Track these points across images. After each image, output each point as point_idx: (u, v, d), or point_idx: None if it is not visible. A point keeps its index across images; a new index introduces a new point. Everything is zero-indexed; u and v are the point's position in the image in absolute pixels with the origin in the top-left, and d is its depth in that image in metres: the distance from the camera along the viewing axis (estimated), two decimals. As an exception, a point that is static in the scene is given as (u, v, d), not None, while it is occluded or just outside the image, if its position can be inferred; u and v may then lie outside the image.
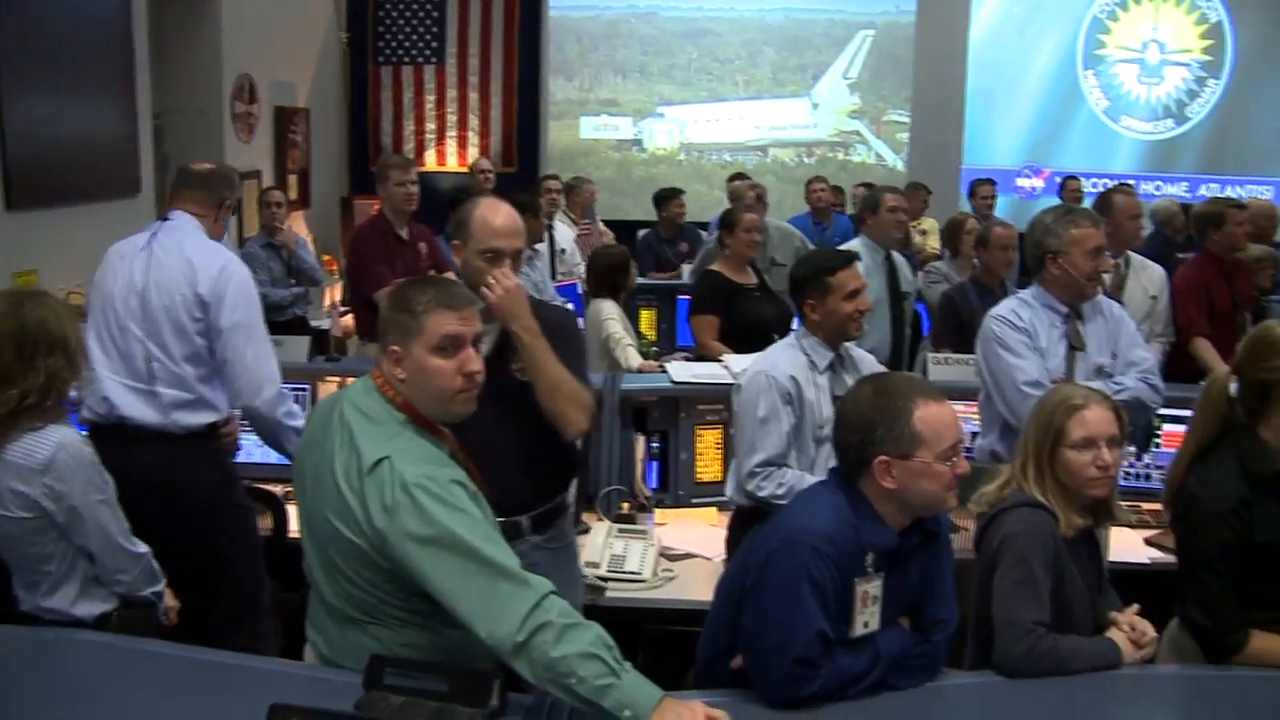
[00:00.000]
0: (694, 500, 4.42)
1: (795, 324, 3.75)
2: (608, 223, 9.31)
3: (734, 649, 2.49)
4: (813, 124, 11.92)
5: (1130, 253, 5.50)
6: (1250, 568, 2.75)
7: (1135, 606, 2.81)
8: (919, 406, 2.43)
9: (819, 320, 3.55)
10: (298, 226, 8.78)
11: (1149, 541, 4.19)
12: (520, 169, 11.21)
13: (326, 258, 9.23)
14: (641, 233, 8.79)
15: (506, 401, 2.98)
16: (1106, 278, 5.17)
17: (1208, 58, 12.10)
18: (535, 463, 3.11)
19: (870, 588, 2.42)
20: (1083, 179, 9.99)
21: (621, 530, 3.93)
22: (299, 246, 7.09)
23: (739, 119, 11.83)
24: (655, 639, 3.57)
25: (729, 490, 3.68)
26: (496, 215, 3.08)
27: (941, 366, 4.76)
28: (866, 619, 2.43)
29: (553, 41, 11.64)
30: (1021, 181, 11.89)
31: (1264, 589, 2.77)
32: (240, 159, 8.18)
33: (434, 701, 2.20)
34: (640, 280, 7.49)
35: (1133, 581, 3.65)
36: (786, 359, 3.53)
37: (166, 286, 3.53)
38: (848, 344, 3.63)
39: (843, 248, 4.74)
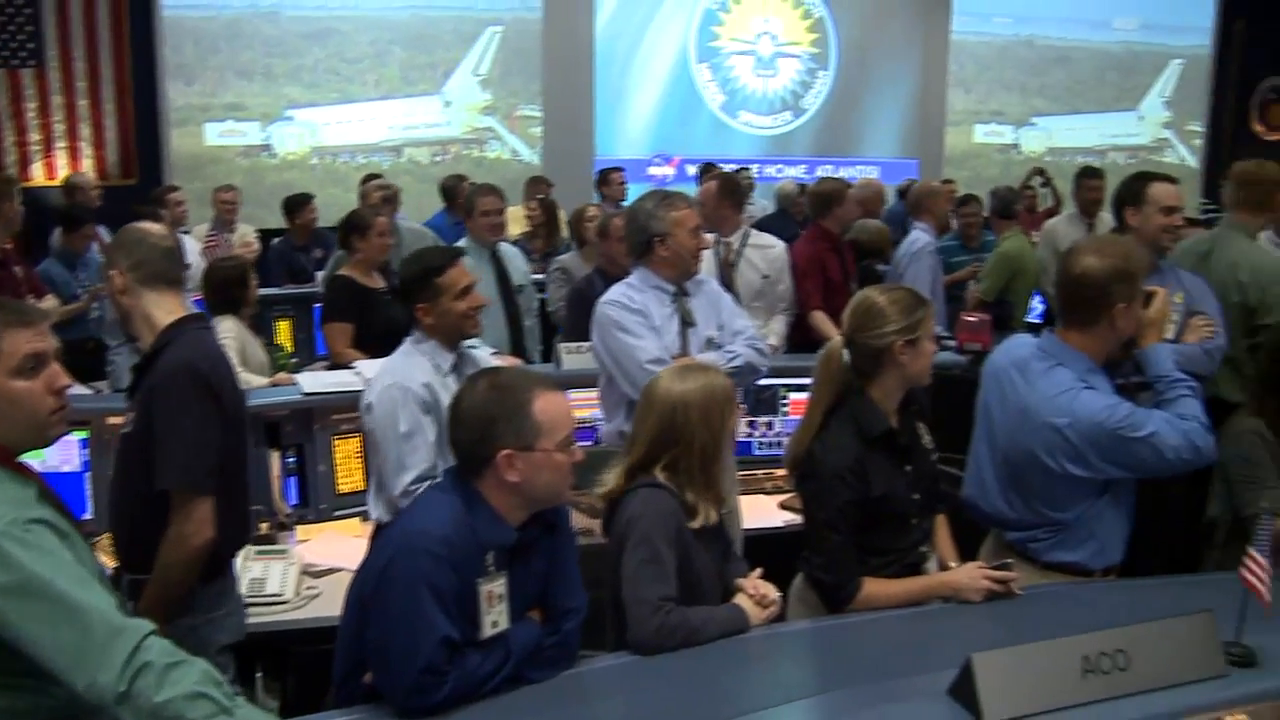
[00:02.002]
0: (337, 513, 4.30)
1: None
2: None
3: (365, 663, 2.43)
4: (446, 121, 11.88)
5: (753, 230, 5.79)
6: (867, 519, 2.96)
7: (758, 570, 2.95)
8: (537, 398, 2.44)
9: (434, 324, 3.46)
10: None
11: (783, 505, 4.43)
12: (142, 180, 10.50)
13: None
14: (275, 241, 8.48)
15: (118, 451, 2.86)
16: (729, 254, 5.47)
17: (816, 50, 12.99)
18: (126, 521, 2.93)
19: (494, 587, 2.41)
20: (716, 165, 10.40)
21: (260, 552, 3.77)
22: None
23: (371, 119, 11.61)
24: (305, 661, 3.46)
25: (375, 513, 3.52)
26: None
27: (575, 356, 4.84)
28: (494, 618, 2.42)
29: (168, 43, 10.94)
30: (653, 170, 12.31)
31: (876, 537, 2.99)
32: None
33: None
34: (275, 290, 7.26)
35: (768, 545, 3.87)
36: (415, 367, 3.41)
37: None
38: (464, 342, 3.57)
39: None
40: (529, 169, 11.39)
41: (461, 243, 5.56)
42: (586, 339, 4.19)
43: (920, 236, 6.98)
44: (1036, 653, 2.31)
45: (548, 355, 5.85)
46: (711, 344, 4.00)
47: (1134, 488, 3.22)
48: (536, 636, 2.50)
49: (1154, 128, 14.63)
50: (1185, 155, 14.69)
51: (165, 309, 2.97)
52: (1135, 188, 4.17)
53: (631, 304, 3.94)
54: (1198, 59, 14.57)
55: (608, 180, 9.44)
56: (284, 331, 7.02)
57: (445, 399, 3.34)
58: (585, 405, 4.49)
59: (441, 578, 2.30)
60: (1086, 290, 3.08)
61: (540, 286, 6.53)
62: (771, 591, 2.87)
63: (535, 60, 12.04)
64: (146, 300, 2.96)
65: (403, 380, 3.35)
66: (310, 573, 3.79)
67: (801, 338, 5.81)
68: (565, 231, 7.94)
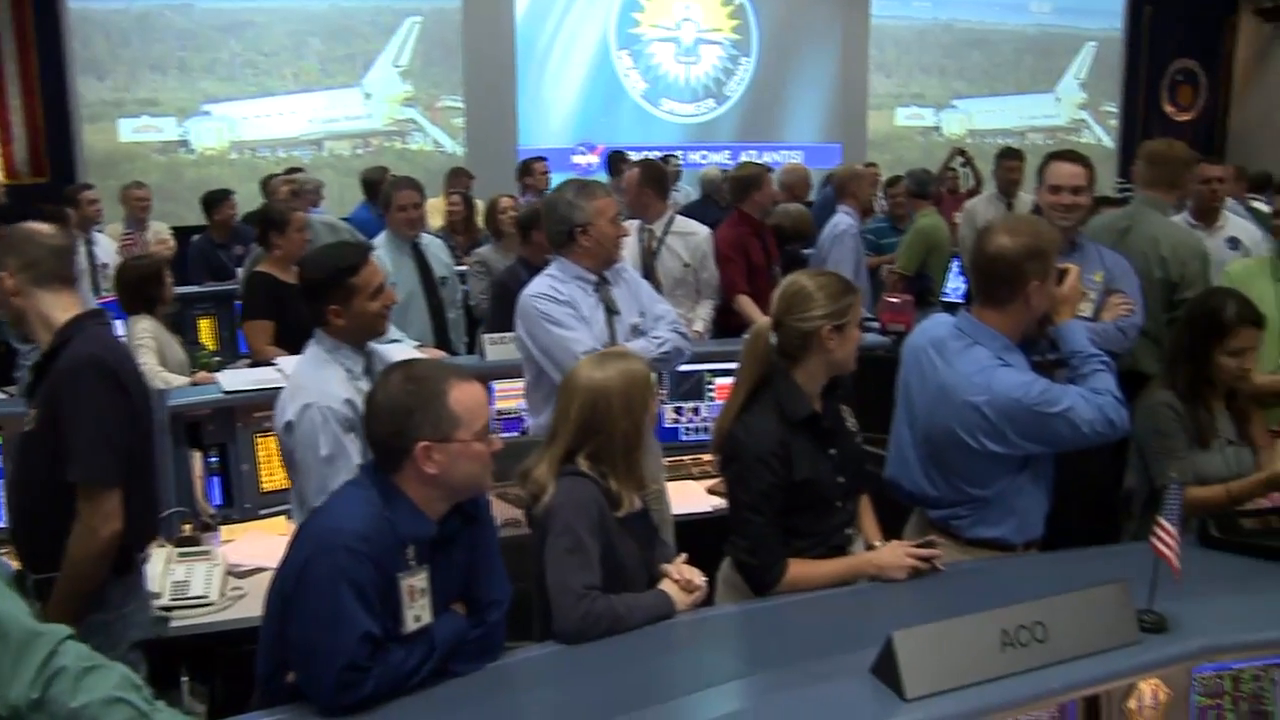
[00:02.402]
0: (262, 511, 4.25)
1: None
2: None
3: (288, 662, 2.40)
4: (367, 114, 11.73)
5: (679, 216, 5.79)
6: (790, 502, 2.97)
7: (683, 556, 2.96)
8: (452, 388, 2.43)
9: (346, 325, 3.21)
10: None
11: (711, 490, 4.45)
12: (54, 178, 10.23)
13: None
14: (194, 238, 8.35)
15: (18, 450, 2.83)
16: (651, 241, 5.48)
17: (737, 37, 13.03)
18: (28, 520, 2.92)
19: (415, 581, 2.40)
20: (630, 152, 10.39)
21: (183, 554, 3.73)
22: None
23: (290, 113, 11.42)
24: (233, 662, 3.42)
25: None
26: None
27: (498, 346, 4.80)
28: (417, 613, 2.40)
29: (76, 37, 10.68)
30: (577, 159, 12.28)
31: (801, 520, 3.01)
32: None
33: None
34: (196, 288, 7.16)
35: (696, 530, 3.88)
36: (331, 380, 3.17)
37: None
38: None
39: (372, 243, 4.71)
40: (452, 160, 11.31)
41: (379, 239, 5.50)
42: (512, 330, 4.13)
43: (843, 219, 7.05)
44: (956, 628, 2.34)
45: (472, 347, 5.82)
46: (637, 331, 3.99)
47: (1053, 463, 3.27)
48: (460, 629, 2.49)
49: (1070, 109, 14.88)
50: (1101, 135, 14.96)
51: (61, 307, 2.97)
52: (1040, 167, 4.25)
53: (558, 296, 3.90)
54: (1110, 41, 14.84)
55: (530, 170, 9.38)
56: (206, 330, 6.96)
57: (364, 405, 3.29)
58: (511, 396, 4.46)
59: (361, 573, 2.29)
60: (1001, 269, 3.12)
61: (463, 278, 6.49)
62: (697, 576, 2.88)
63: (455, 51, 11.94)
64: (41, 300, 2.97)
65: (321, 400, 3.10)
66: (235, 573, 3.75)
67: (726, 322, 5.85)
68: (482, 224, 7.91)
